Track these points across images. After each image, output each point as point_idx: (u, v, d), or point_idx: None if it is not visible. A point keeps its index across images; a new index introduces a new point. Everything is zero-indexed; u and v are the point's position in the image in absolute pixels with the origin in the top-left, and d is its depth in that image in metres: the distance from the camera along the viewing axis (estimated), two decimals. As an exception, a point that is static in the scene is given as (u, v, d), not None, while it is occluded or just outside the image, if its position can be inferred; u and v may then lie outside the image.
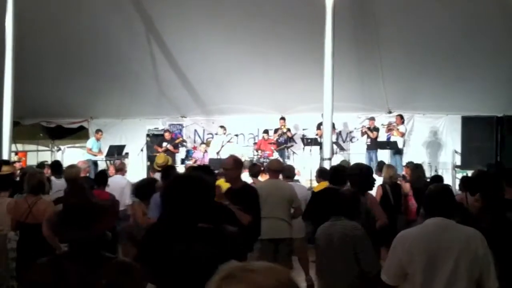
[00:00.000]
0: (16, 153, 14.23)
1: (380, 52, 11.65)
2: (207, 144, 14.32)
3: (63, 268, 2.34)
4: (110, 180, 8.05)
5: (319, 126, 13.23)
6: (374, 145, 13.11)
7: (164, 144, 13.78)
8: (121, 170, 8.78)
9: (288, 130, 13.87)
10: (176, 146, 14.02)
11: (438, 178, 7.30)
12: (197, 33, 11.69)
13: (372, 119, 13.40)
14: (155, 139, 14.29)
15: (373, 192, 8.72)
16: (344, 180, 5.73)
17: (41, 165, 11.07)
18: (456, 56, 11.30)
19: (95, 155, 13.57)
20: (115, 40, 12.10)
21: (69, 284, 2.31)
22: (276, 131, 14.02)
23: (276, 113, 14.51)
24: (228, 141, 14.29)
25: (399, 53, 11.64)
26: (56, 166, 8.69)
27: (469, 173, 8.02)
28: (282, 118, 13.94)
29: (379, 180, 9.21)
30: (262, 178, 7.85)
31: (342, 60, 10.53)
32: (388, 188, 7.34)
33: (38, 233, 4.97)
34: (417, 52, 11.49)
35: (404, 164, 11.18)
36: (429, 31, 10.91)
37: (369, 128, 13.29)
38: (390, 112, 13.83)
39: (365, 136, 13.41)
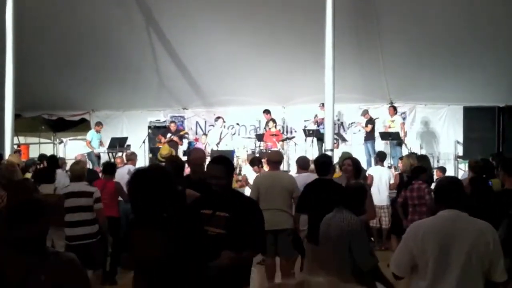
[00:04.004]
0: (18, 145, 14.24)
1: (381, 42, 11.61)
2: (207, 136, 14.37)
3: (2, 264, 2.33)
4: (118, 171, 8.07)
5: (316, 115, 13.25)
6: (371, 136, 13.11)
7: (169, 135, 13.81)
8: (131, 160, 8.89)
9: (273, 121, 13.75)
10: (180, 138, 14.06)
11: (421, 169, 7.26)
12: (197, 24, 11.66)
13: (366, 112, 13.36)
14: (157, 131, 14.32)
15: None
16: (330, 170, 5.74)
17: (41, 157, 11.05)
18: (458, 46, 11.25)
19: (92, 149, 13.55)
20: (115, 32, 12.08)
21: (7, 280, 2.29)
22: (266, 124, 14.04)
23: (277, 104, 14.51)
24: (228, 132, 14.33)
25: (400, 43, 11.59)
26: (52, 160, 8.76)
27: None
28: (266, 111, 13.89)
29: (379, 170, 9.29)
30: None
31: (343, 51, 10.50)
32: (405, 178, 7.33)
33: None
34: (418, 43, 11.43)
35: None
36: (430, 21, 10.85)
37: (367, 121, 13.29)
38: (391, 103, 13.79)
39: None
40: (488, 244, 3.00)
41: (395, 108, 13.11)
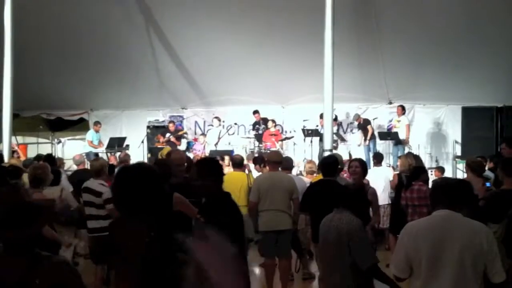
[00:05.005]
0: (17, 145, 14.26)
1: (380, 42, 11.62)
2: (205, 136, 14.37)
3: None
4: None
5: (322, 115, 13.21)
6: (371, 136, 13.13)
7: (167, 135, 13.81)
8: (125, 161, 9.03)
9: (272, 121, 13.77)
10: (178, 138, 14.05)
11: (421, 170, 7.28)
12: (196, 23, 11.65)
13: (358, 116, 13.37)
14: (155, 130, 14.30)
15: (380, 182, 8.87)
16: (336, 172, 5.73)
17: (38, 157, 11.03)
18: (457, 46, 11.26)
19: (95, 147, 13.62)
20: (114, 31, 12.06)
21: (3, 284, 2.31)
22: (254, 125, 13.99)
23: (277, 104, 14.50)
24: (227, 132, 14.34)
25: (399, 43, 11.60)
26: (50, 159, 8.78)
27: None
28: (255, 112, 13.90)
29: (377, 171, 9.30)
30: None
31: (342, 50, 10.50)
32: (404, 177, 7.32)
33: None
34: (417, 42, 11.44)
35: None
36: (429, 21, 10.86)
37: (359, 124, 13.29)
38: (390, 103, 13.81)
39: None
40: (481, 244, 3.00)
41: (403, 108, 13.06)
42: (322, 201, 5.25)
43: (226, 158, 10.91)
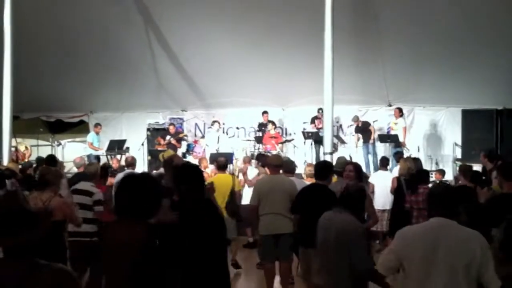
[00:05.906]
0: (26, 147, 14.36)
1: (380, 44, 11.62)
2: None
3: None
4: (120, 176, 8.08)
5: (313, 120, 13.22)
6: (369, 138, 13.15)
7: (168, 137, 13.79)
8: (132, 165, 9.26)
9: (272, 123, 13.75)
10: (179, 140, 14.04)
11: (426, 173, 7.30)
12: (196, 25, 11.65)
13: (357, 119, 13.31)
14: (155, 133, 14.29)
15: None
16: (327, 176, 5.74)
17: (39, 160, 11.04)
18: (457, 49, 11.27)
19: (96, 150, 13.61)
20: (114, 33, 12.07)
21: None
22: (260, 126, 13.98)
23: (276, 106, 14.49)
24: (227, 136, 14.32)
25: (399, 45, 11.61)
26: (50, 160, 8.80)
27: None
28: (265, 112, 13.90)
29: (382, 175, 9.33)
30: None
31: (342, 52, 10.52)
32: (403, 181, 7.32)
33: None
34: (417, 44, 11.45)
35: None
36: (429, 24, 10.88)
37: (357, 127, 13.25)
38: (390, 105, 13.80)
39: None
40: (474, 251, 3.01)
41: (400, 110, 13.01)
42: (310, 205, 5.29)
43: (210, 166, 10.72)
